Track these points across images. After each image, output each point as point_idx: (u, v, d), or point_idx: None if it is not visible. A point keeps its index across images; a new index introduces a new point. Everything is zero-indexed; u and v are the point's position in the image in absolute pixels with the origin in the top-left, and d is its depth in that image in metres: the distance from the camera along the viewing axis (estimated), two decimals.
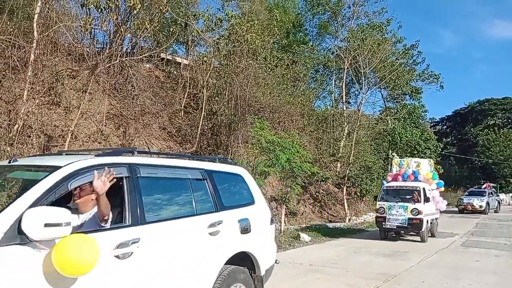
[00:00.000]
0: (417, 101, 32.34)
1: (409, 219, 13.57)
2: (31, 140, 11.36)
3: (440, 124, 62.45)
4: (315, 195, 22.44)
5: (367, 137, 25.93)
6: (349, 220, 21.11)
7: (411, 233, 14.50)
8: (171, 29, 16.59)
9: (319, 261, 10.24)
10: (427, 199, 14.29)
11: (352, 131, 23.87)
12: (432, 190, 15.70)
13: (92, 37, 15.59)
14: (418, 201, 14.01)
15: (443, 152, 33.75)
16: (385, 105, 32.40)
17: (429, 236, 14.54)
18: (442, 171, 27.97)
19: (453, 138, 61.02)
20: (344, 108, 26.67)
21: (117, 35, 13.61)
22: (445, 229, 17.83)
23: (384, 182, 16.83)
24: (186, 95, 17.79)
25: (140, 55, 15.33)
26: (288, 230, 16.01)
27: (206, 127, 17.66)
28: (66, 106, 13.19)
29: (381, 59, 23.93)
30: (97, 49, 15.07)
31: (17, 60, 12.03)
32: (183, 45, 19.93)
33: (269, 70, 19.16)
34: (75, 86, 13.68)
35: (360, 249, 12.38)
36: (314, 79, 27.16)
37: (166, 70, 19.29)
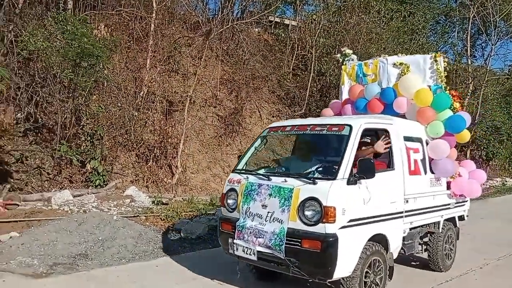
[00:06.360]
0: None
1: (291, 235, 4.40)
2: (155, 105, 12.30)
3: None
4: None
5: (496, 94, 23.05)
6: None
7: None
8: None
9: None
10: (389, 166, 5.14)
11: (478, 88, 21.39)
12: (433, 139, 5.94)
13: (204, 4, 16.16)
14: (331, 174, 4.46)
15: None
16: None
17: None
18: None
19: None
20: (469, 63, 23.87)
21: None
22: None
23: None
24: (294, 57, 17.54)
25: (249, 18, 15.45)
26: None
27: (315, 89, 17.30)
28: (184, 73, 13.96)
29: None
30: (209, 16, 15.60)
31: (140, 31, 12.98)
32: (291, 6, 19.53)
33: (383, 24, 17.85)
34: (191, 54, 14.35)
35: (482, 213, 11.26)
36: (434, 31, 24.66)
37: (274, 33, 19.18)
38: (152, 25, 12.28)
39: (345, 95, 7.12)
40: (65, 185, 9.82)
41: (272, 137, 6.03)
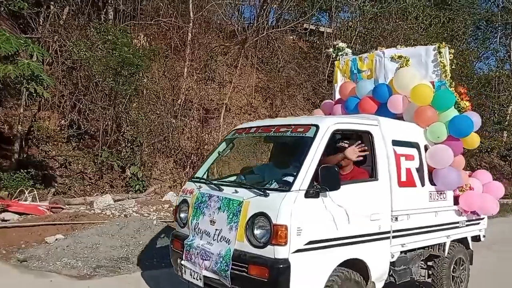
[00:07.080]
0: None
1: (237, 259, 3.48)
2: (192, 113, 12.47)
3: None
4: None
5: None
6: None
7: None
8: None
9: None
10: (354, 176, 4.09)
11: None
12: (434, 144, 4.80)
13: (240, 13, 16.35)
14: (287, 185, 3.52)
15: None
16: None
17: None
18: None
19: None
20: None
21: (264, 7, 13.92)
22: None
23: None
24: (329, 64, 17.42)
25: (284, 26, 15.52)
26: None
27: None
28: (220, 81, 14.12)
29: None
30: (245, 25, 15.77)
31: (177, 40, 13.25)
32: (326, 13, 19.47)
33: (421, 30, 17.47)
34: (226, 62, 14.51)
35: None
36: (475, 37, 23.94)
37: (309, 40, 19.15)
38: (189, 35, 12.52)
39: (338, 95, 6.10)
40: (106, 189, 10.07)
41: (239, 140, 4.99)
